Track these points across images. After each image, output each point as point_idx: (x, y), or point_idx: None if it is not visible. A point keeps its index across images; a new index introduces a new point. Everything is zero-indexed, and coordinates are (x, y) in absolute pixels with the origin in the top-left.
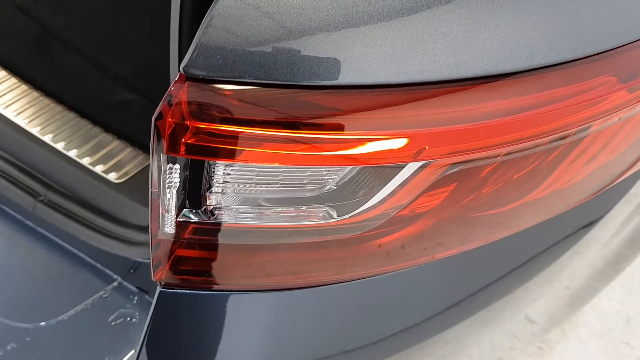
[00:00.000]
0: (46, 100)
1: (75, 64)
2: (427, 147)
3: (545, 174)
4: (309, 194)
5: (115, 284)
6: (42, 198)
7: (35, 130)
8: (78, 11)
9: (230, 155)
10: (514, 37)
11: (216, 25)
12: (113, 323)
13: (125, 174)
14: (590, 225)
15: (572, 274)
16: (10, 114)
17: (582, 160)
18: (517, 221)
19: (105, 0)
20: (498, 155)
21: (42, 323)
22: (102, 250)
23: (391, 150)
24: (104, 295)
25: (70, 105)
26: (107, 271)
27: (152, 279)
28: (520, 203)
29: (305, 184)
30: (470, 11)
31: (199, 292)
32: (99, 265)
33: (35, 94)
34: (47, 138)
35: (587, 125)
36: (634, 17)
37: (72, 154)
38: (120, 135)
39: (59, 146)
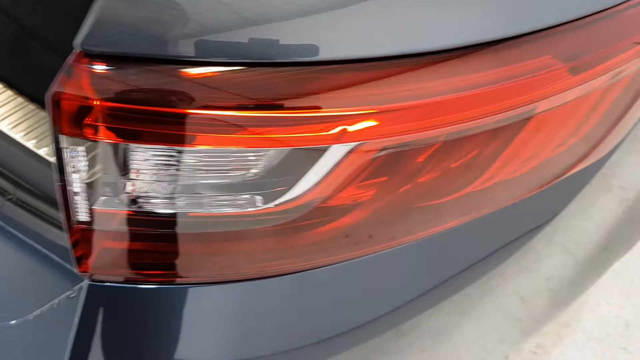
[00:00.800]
0: (19, 99)
1: (52, 62)
2: (347, 129)
3: (488, 163)
4: (231, 180)
5: (82, 284)
6: (10, 197)
7: (6, 128)
8: (56, 10)
9: (139, 137)
10: (442, 13)
11: None
12: None
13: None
14: (554, 216)
15: (551, 267)
16: None
17: (531, 146)
18: (457, 213)
19: None
20: (435, 139)
21: (12, 322)
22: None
23: (313, 131)
24: (71, 295)
25: (43, 103)
26: (75, 271)
27: (76, 271)
28: (461, 194)
29: (228, 169)
30: None
31: (126, 285)
32: (67, 265)
33: (9, 92)
34: (18, 136)
35: (530, 107)
36: None
37: (42, 152)
38: None
39: (30, 144)
